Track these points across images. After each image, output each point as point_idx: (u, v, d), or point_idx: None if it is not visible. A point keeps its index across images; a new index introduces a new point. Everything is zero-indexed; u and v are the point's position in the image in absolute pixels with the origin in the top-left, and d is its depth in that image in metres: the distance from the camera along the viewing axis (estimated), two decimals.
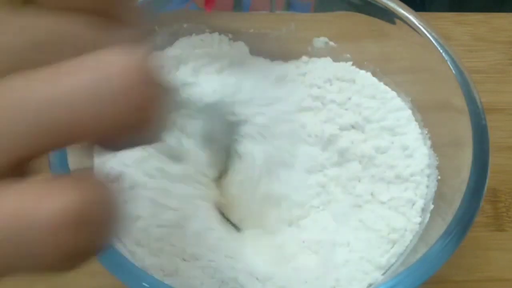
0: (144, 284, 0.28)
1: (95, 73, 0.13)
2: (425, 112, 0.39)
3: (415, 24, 0.37)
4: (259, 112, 0.39)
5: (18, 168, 0.14)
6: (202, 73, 0.40)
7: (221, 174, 0.38)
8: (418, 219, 0.36)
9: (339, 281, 0.34)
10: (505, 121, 0.45)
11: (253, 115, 0.39)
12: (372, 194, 0.37)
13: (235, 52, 0.42)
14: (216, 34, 0.42)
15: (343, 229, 0.36)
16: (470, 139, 0.33)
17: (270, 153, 0.38)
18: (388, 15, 0.38)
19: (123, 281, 0.28)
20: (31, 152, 0.14)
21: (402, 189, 0.37)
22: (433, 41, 0.37)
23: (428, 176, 0.37)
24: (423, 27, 0.37)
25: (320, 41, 0.42)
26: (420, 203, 0.36)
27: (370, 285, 0.34)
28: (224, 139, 0.38)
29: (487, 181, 0.32)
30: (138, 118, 0.14)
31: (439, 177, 0.37)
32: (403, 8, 0.38)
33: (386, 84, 0.41)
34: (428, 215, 0.36)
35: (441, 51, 0.36)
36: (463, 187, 0.32)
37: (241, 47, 0.42)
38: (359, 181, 0.38)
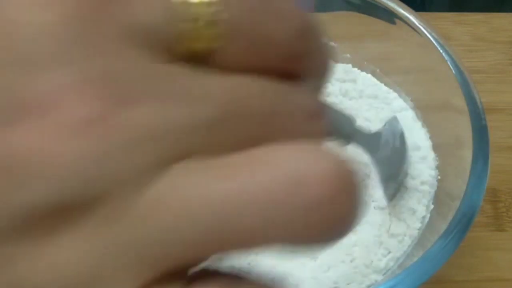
0: None
1: (289, 175, 0.11)
2: (425, 112, 0.39)
3: (415, 24, 0.37)
4: None
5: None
6: None
7: None
8: (418, 225, 0.36)
9: (337, 283, 0.34)
10: (505, 121, 0.45)
11: None
12: (373, 200, 0.37)
13: None
14: None
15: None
16: (470, 139, 0.33)
17: None
18: (388, 15, 0.38)
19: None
20: (190, 261, 0.11)
21: (406, 198, 0.37)
22: (433, 41, 0.37)
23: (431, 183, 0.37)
24: (423, 27, 0.37)
25: None
26: (422, 210, 0.36)
27: (368, 287, 0.34)
28: None
29: (487, 181, 0.32)
30: (328, 233, 0.11)
31: (439, 177, 0.36)
32: (403, 8, 0.38)
33: (386, 84, 0.41)
34: (428, 215, 0.36)
35: (441, 51, 0.36)
36: (463, 187, 0.32)
37: None
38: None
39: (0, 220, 0.10)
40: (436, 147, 0.38)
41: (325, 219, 0.11)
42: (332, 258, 0.35)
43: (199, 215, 0.11)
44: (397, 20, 0.38)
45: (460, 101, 0.35)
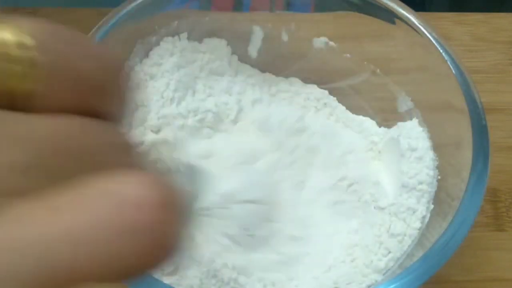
0: (144, 284, 0.28)
1: (108, 205, 0.12)
2: (425, 112, 0.39)
3: (415, 24, 0.37)
4: None
5: None
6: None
7: None
8: (418, 225, 0.36)
9: (337, 283, 0.34)
10: (505, 121, 0.45)
11: None
12: (373, 200, 0.37)
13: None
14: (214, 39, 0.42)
15: (342, 233, 0.36)
16: (470, 139, 0.33)
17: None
18: (388, 15, 0.38)
19: (123, 281, 0.28)
20: None
21: (405, 197, 0.37)
22: (433, 41, 0.37)
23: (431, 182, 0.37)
24: (423, 27, 0.37)
25: (320, 41, 0.42)
26: (422, 210, 0.36)
27: (368, 287, 0.34)
28: None
29: (487, 181, 0.32)
30: (155, 257, 0.12)
31: (439, 177, 0.37)
32: (403, 8, 0.38)
33: (386, 84, 0.41)
34: (428, 215, 0.36)
35: (441, 51, 0.36)
36: (463, 187, 0.32)
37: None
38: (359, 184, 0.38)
39: None
40: (436, 147, 0.38)
41: (143, 245, 0.12)
42: (332, 258, 0.35)
43: (21, 259, 0.11)
44: (397, 20, 0.38)
45: (460, 101, 0.35)
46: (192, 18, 0.41)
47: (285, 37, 0.43)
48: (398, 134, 0.39)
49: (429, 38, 0.37)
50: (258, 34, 0.43)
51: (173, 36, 0.40)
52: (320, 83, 0.43)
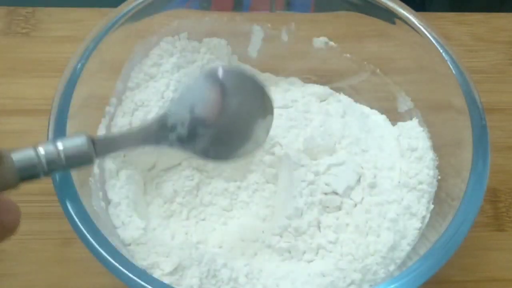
0: (144, 284, 0.28)
1: None
2: (425, 112, 0.39)
3: (415, 24, 0.37)
4: None
5: None
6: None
7: None
8: (418, 225, 0.36)
9: (337, 284, 0.34)
10: (505, 121, 0.45)
11: None
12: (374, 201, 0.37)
13: None
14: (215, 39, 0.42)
15: (342, 235, 0.36)
16: (470, 139, 0.33)
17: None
18: (388, 15, 0.38)
19: (123, 281, 0.28)
20: None
21: (405, 197, 0.37)
22: (433, 41, 0.37)
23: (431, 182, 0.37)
24: (423, 27, 0.37)
25: (320, 41, 0.42)
26: (422, 210, 0.36)
27: (369, 286, 0.34)
28: None
29: (487, 181, 0.32)
30: None
31: (439, 177, 0.37)
32: (403, 8, 0.38)
33: (386, 84, 0.41)
34: (428, 215, 0.36)
35: (441, 51, 0.36)
36: (463, 187, 0.32)
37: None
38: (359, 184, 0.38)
39: None
40: (436, 147, 0.38)
41: None
42: (332, 259, 0.35)
43: None
44: (397, 20, 0.38)
45: (460, 101, 0.35)
46: (192, 18, 0.41)
47: (285, 37, 0.43)
48: (398, 134, 0.39)
49: (429, 38, 0.37)
50: (258, 34, 0.43)
51: (173, 36, 0.40)
52: (320, 83, 0.43)
